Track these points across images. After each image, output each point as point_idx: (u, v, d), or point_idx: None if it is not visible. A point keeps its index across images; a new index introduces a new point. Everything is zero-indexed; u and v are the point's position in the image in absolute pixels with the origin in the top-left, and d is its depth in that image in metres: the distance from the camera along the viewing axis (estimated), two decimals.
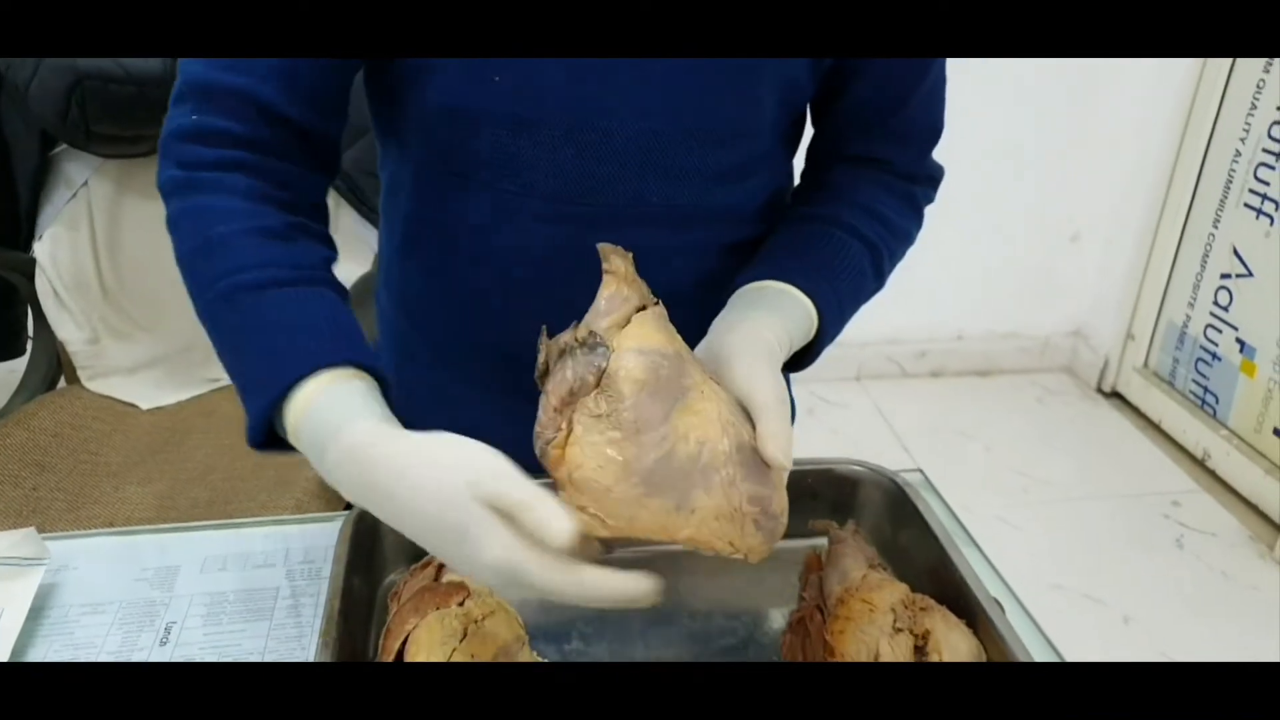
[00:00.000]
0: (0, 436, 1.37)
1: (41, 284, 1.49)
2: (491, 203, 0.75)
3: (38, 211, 1.49)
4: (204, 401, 1.57)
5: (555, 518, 0.50)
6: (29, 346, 1.58)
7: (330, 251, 0.71)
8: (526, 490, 0.51)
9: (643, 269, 0.62)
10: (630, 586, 0.52)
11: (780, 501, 0.59)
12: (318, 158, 0.72)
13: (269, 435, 0.62)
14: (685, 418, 0.57)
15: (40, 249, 1.48)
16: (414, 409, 0.90)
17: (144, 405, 1.54)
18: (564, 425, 0.56)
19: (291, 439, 0.60)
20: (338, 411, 0.58)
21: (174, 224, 0.69)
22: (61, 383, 1.58)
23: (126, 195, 1.51)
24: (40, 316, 1.52)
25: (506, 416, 0.84)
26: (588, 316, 0.59)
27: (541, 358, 0.59)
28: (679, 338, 0.61)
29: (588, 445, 0.55)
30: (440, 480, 0.53)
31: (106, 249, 1.52)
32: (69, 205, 1.49)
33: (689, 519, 0.56)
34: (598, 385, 0.56)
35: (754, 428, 0.59)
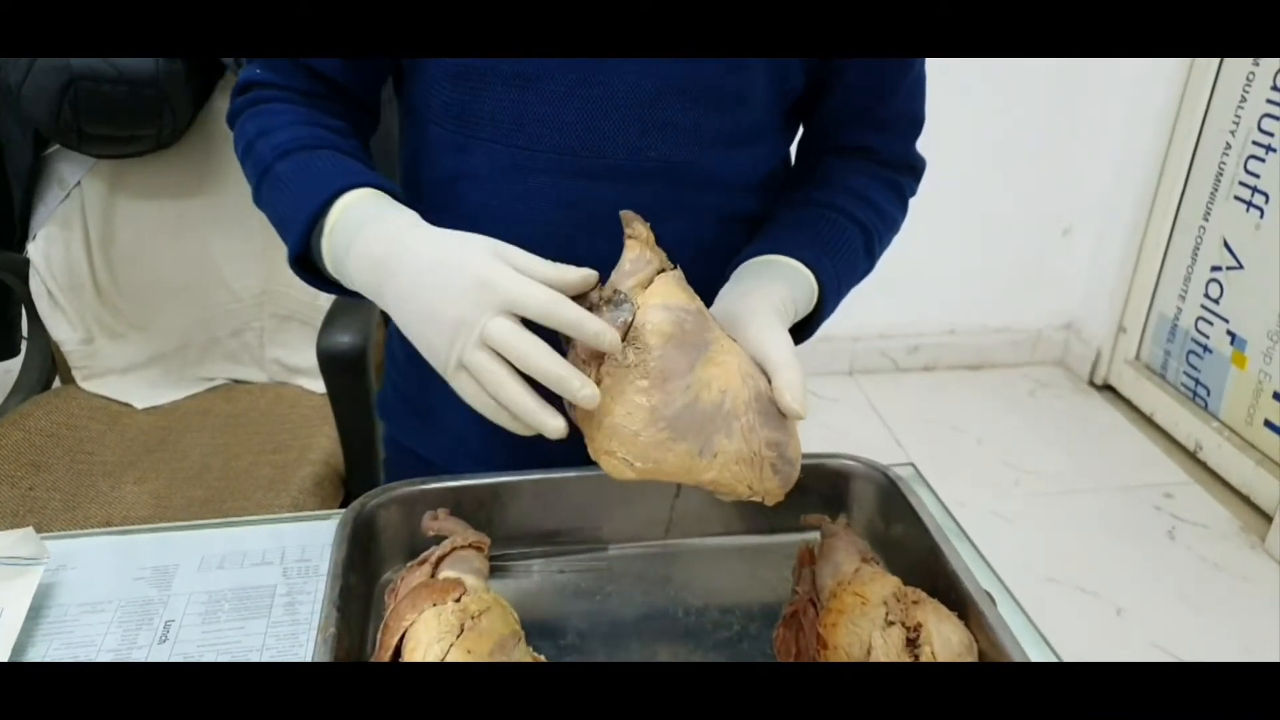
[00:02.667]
0: None
1: (35, 284, 1.49)
2: (499, 160, 0.78)
3: (31, 212, 1.49)
4: (199, 401, 1.58)
5: (571, 270, 0.60)
6: (23, 347, 1.58)
7: (371, 160, 0.79)
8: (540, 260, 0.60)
9: None
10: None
11: (795, 447, 0.63)
12: (362, 108, 0.82)
13: (306, 264, 0.72)
14: (708, 368, 0.60)
15: (34, 249, 1.49)
16: (425, 388, 0.91)
17: (139, 405, 1.54)
18: (592, 376, 0.59)
19: (325, 242, 0.68)
20: (372, 208, 0.67)
21: (238, 132, 0.79)
22: (56, 383, 1.58)
23: (119, 195, 1.51)
24: (34, 317, 1.53)
25: None
26: (613, 277, 0.62)
27: None
28: (697, 297, 0.63)
29: (617, 394, 0.58)
30: (466, 239, 0.62)
31: (100, 249, 1.52)
32: (62, 205, 1.49)
33: (712, 462, 0.60)
34: (625, 338, 0.59)
35: (769, 381, 0.62)
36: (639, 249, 0.62)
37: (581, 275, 0.60)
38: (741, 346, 0.64)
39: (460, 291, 0.59)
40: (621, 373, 0.59)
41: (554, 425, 0.58)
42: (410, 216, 0.66)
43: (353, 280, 0.67)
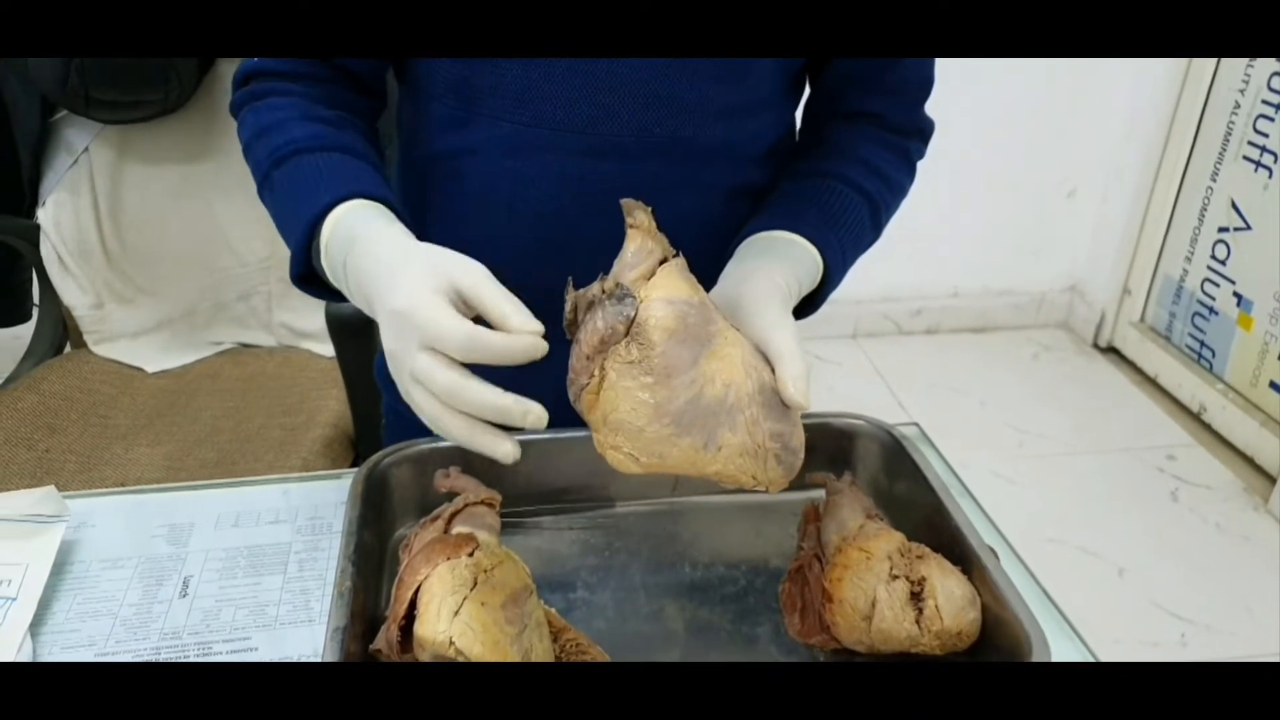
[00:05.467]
0: (12, 400, 1.39)
1: (46, 250, 1.50)
2: (501, 135, 0.78)
3: (40, 178, 1.50)
4: (208, 364, 1.59)
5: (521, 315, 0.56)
6: (35, 312, 1.59)
7: (377, 144, 0.80)
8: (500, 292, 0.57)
9: (648, 205, 0.64)
10: (508, 404, 0.56)
11: (798, 437, 0.63)
12: (366, 91, 0.82)
13: (309, 273, 0.71)
14: (712, 362, 0.60)
15: (43, 215, 1.49)
16: None
17: (149, 369, 1.55)
18: (596, 372, 0.59)
19: (324, 259, 0.68)
20: (359, 226, 0.66)
21: (240, 126, 0.78)
22: (68, 347, 1.59)
23: (127, 160, 1.52)
24: (45, 282, 1.53)
25: None
26: (614, 269, 0.61)
27: (569, 308, 0.61)
28: (700, 287, 0.63)
29: (621, 390, 0.59)
30: (431, 257, 0.60)
31: (109, 214, 1.53)
32: (70, 171, 1.49)
33: (716, 455, 0.60)
34: (628, 334, 0.59)
35: (773, 370, 0.62)
36: (641, 239, 0.61)
37: (529, 325, 0.56)
38: (744, 333, 0.64)
39: (389, 324, 0.59)
40: (625, 369, 0.59)
41: (535, 412, 0.56)
42: (387, 234, 0.65)
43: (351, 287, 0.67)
